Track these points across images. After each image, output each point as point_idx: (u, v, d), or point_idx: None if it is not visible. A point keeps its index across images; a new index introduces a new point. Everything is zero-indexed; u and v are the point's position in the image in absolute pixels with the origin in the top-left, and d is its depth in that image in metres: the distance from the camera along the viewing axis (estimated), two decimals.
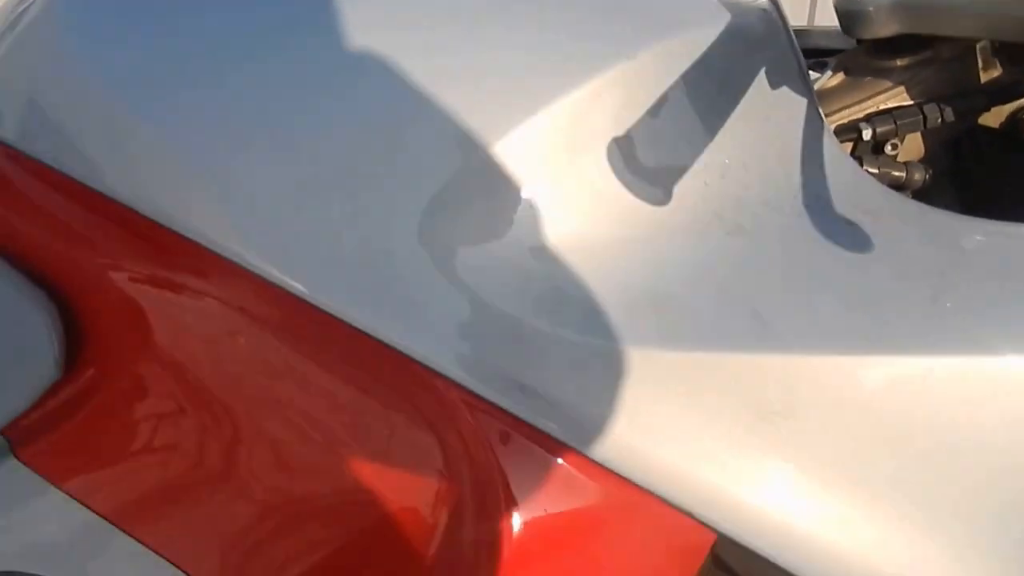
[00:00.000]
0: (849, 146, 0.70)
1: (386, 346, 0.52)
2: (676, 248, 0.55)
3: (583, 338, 0.52)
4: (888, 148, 0.70)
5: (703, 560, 0.61)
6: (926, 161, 0.72)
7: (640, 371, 0.52)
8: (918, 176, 0.69)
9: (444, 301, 0.52)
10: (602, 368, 0.52)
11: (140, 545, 0.69)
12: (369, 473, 0.56)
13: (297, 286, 0.53)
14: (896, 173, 0.69)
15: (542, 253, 0.53)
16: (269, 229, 0.54)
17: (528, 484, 0.54)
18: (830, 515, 0.53)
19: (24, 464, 0.66)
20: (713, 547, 0.61)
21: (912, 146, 0.72)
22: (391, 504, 0.56)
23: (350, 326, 0.52)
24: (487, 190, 0.54)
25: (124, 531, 0.68)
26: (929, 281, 0.54)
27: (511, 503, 0.54)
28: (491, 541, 0.54)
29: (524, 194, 0.54)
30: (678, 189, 0.57)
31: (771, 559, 0.54)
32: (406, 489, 0.56)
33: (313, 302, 0.52)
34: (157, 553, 0.69)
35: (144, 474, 0.67)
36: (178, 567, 0.70)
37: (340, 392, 0.56)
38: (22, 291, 0.61)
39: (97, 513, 0.67)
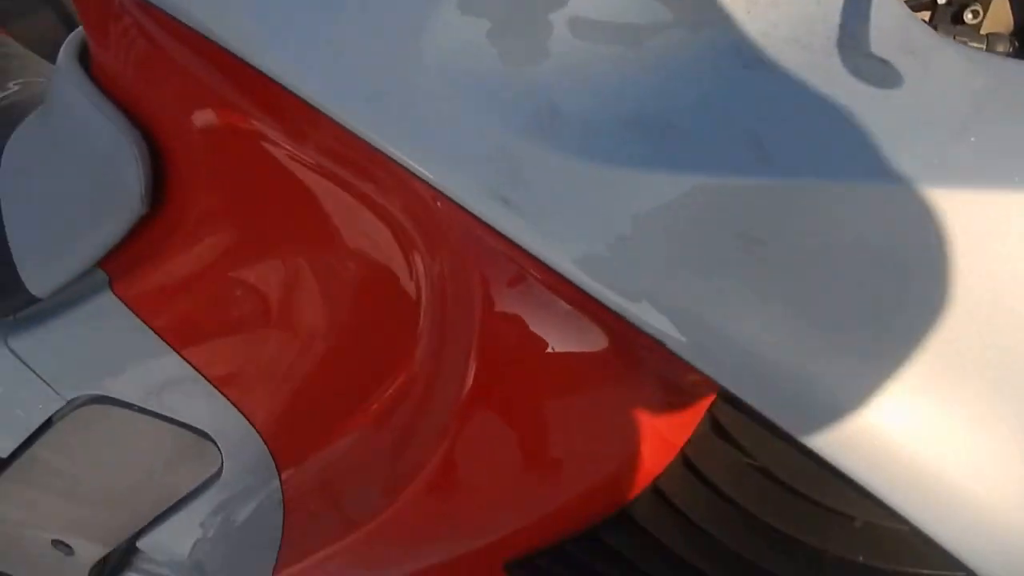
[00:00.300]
0: (926, 16, 0.64)
1: (373, 147, 0.52)
2: (684, 76, 0.52)
3: (572, 156, 0.51)
4: (968, 16, 0.63)
5: (699, 421, 0.58)
6: (1016, 34, 0.64)
7: (626, 194, 0.50)
8: (1001, 48, 0.62)
9: (438, 107, 0.52)
10: (588, 188, 0.51)
11: (207, 383, 0.74)
12: (363, 273, 0.58)
13: (313, 95, 0.54)
14: (975, 45, 0.62)
15: (542, 67, 0.52)
16: (300, 37, 0.54)
17: (504, 304, 0.53)
18: (824, 362, 0.49)
19: (119, 299, 0.72)
20: (711, 409, 0.58)
21: (1000, 16, 0.64)
22: (382, 299, 0.58)
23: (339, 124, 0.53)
24: None
25: (194, 366, 0.74)
26: (960, 116, 0.48)
27: (487, 321, 0.53)
28: (464, 357, 0.54)
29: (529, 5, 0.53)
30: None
31: (750, 403, 0.51)
32: (395, 284, 0.57)
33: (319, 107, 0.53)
34: (219, 390, 0.75)
35: (213, 315, 0.72)
36: (238, 408, 0.76)
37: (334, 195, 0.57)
38: (119, 128, 0.65)
39: (172, 346, 0.73)
